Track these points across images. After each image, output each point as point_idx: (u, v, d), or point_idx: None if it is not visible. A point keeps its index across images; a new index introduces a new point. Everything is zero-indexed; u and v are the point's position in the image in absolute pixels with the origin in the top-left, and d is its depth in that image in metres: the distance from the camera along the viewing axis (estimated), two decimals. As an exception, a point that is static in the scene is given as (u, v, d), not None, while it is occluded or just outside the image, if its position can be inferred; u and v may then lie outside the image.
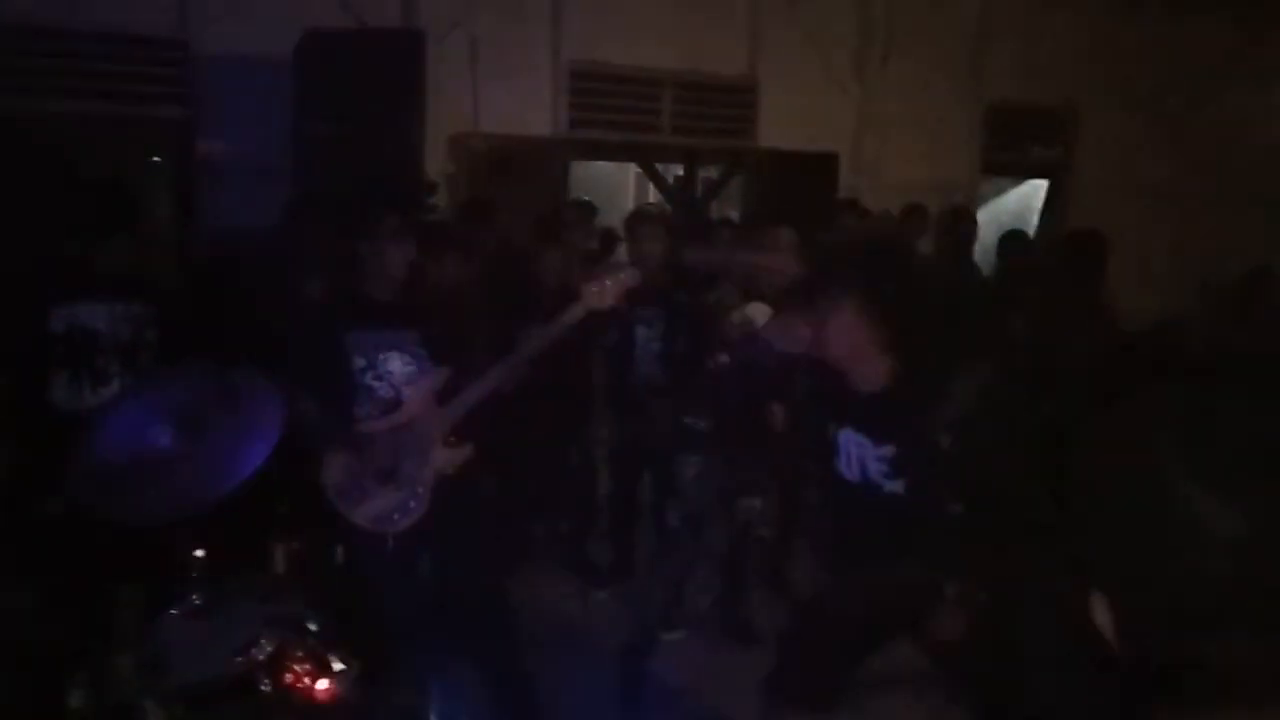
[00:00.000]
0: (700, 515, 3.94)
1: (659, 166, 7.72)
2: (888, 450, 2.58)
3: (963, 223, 6.03)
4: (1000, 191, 9.21)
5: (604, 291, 3.28)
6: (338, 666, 2.42)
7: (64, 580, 2.68)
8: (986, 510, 2.51)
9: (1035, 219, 8.79)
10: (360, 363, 3.26)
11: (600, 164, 7.88)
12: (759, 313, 3.97)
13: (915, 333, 2.62)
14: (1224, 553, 0.72)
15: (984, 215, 8.21)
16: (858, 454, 2.64)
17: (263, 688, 2.24)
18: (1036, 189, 9.06)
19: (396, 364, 3.30)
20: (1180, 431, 0.79)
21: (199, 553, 2.65)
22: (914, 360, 2.60)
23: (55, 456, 3.09)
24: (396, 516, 3.25)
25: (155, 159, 6.07)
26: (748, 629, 4.21)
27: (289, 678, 2.33)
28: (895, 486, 2.58)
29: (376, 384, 3.29)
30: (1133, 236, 7.32)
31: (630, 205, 8.97)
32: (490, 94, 6.18)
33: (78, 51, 5.31)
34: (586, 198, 6.35)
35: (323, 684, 2.35)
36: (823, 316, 2.62)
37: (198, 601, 2.53)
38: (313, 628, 2.48)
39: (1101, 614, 0.81)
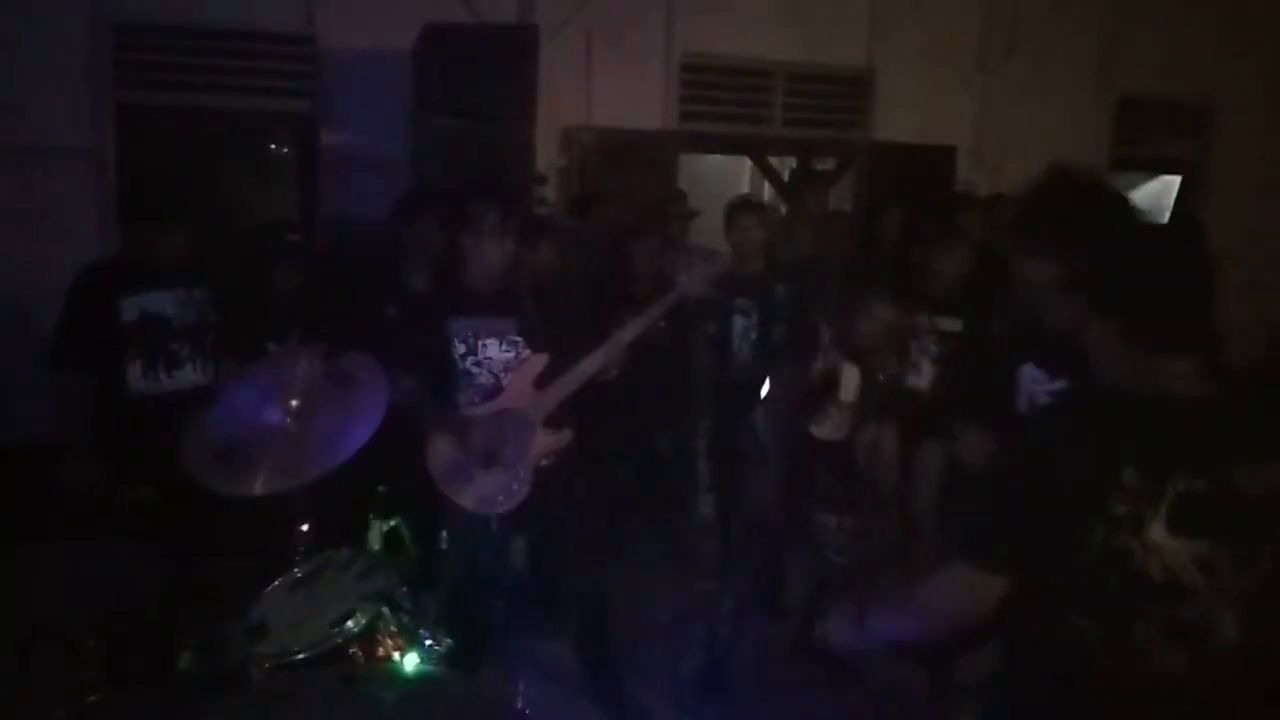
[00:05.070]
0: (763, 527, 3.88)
1: (773, 159, 7.67)
2: (1059, 385, 2.54)
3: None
4: (1130, 188, 8.85)
5: (694, 278, 3.32)
6: (428, 643, 2.50)
7: (176, 551, 2.82)
8: None
9: (1166, 217, 8.41)
10: (460, 349, 3.35)
11: (714, 156, 7.86)
12: (850, 376, 3.90)
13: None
14: None
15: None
16: (1030, 390, 2.60)
17: (355, 659, 2.32)
18: (1168, 186, 8.67)
19: (495, 350, 3.38)
20: None
21: (304, 527, 2.78)
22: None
23: (141, 444, 3.26)
24: (500, 499, 3.33)
25: (283, 150, 6.32)
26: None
27: (380, 651, 2.42)
28: None
29: (476, 370, 3.38)
30: (1269, 236, 6.96)
31: (743, 198, 8.93)
32: (603, 87, 6.22)
33: (209, 47, 5.52)
34: (682, 188, 6.31)
35: (412, 659, 2.42)
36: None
37: (299, 574, 2.65)
38: (406, 604, 2.57)
39: None
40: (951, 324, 4.29)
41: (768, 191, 8.01)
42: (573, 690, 3.61)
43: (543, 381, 3.39)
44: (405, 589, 2.62)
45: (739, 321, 4.44)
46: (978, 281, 4.33)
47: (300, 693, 2.22)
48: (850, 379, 3.81)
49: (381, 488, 2.88)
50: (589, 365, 3.39)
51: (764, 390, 4.13)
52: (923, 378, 4.29)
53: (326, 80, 5.74)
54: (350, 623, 2.41)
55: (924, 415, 4.08)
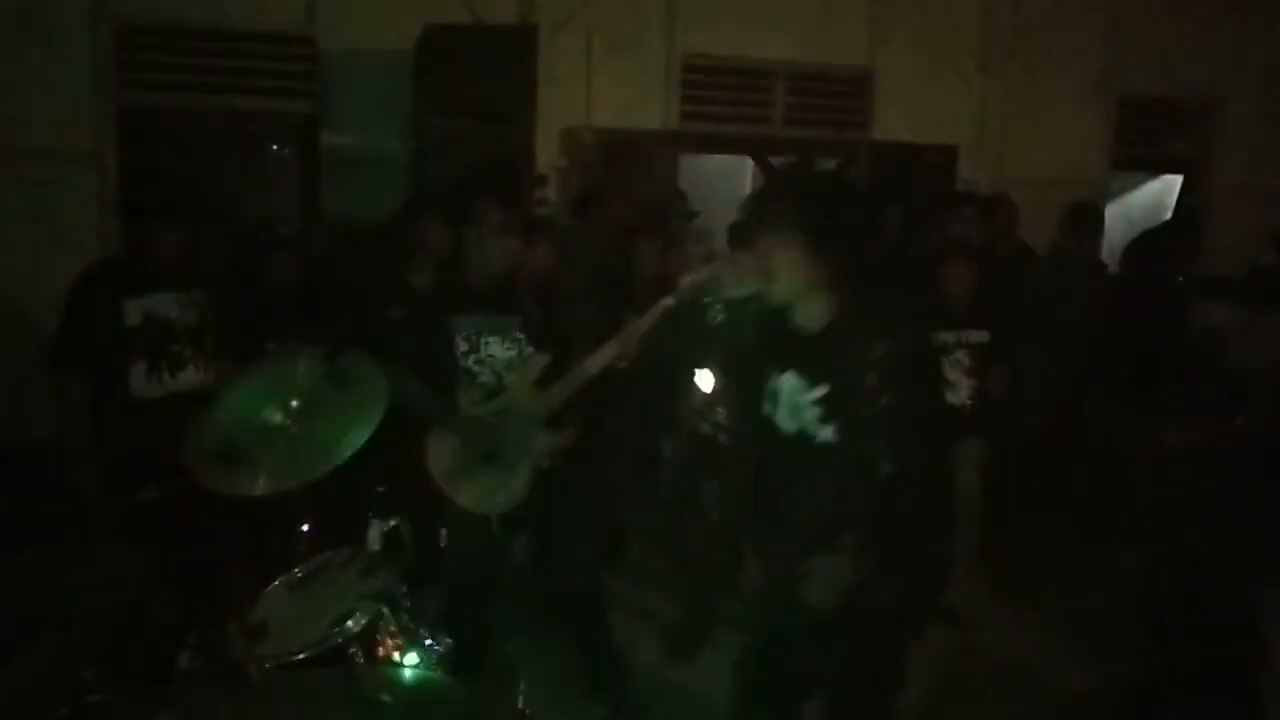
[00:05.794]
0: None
1: (773, 159, 7.65)
2: (820, 392, 2.46)
3: (1088, 219, 5.81)
4: (1133, 187, 8.85)
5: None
6: (428, 643, 2.50)
7: (177, 551, 2.82)
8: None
9: (1168, 216, 8.41)
10: (462, 347, 3.34)
11: (716, 156, 7.86)
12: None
13: (860, 272, 2.47)
14: None
15: (1114, 211, 7.90)
16: (791, 400, 2.51)
17: (355, 659, 2.32)
18: (1170, 185, 8.66)
19: (497, 349, 3.37)
20: None
21: (304, 527, 2.78)
22: (857, 301, 2.45)
23: (144, 446, 3.26)
24: (500, 498, 3.33)
25: (284, 151, 6.33)
26: None
27: (380, 651, 2.41)
28: (827, 434, 2.45)
29: (478, 368, 3.37)
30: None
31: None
32: (603, 87, 6.22)
33: (210, 48, 5.54)
34: (682, 189, 6.31)
35: (412, 658, 2.42)
36: (768, 253, 2.48)
37: (299, 574, 2.65)
38: (406, 604, 2.56)
39: None
40: (978, 336, 4.43)
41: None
42: (574, 690, 3.61)
43: (545, 381, 3.39)
44: (405, 589, 2.61)
45: None
46: (986, 285, 4.45)
47: (300, 693, 2.21)
48: None
49: (381, 488, 2.88)
50: (591, 365, 3.39)
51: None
52: (960, 393, 4.39)
53: (327, 81, 5.75)
54: (350, 623, 2.40)
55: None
